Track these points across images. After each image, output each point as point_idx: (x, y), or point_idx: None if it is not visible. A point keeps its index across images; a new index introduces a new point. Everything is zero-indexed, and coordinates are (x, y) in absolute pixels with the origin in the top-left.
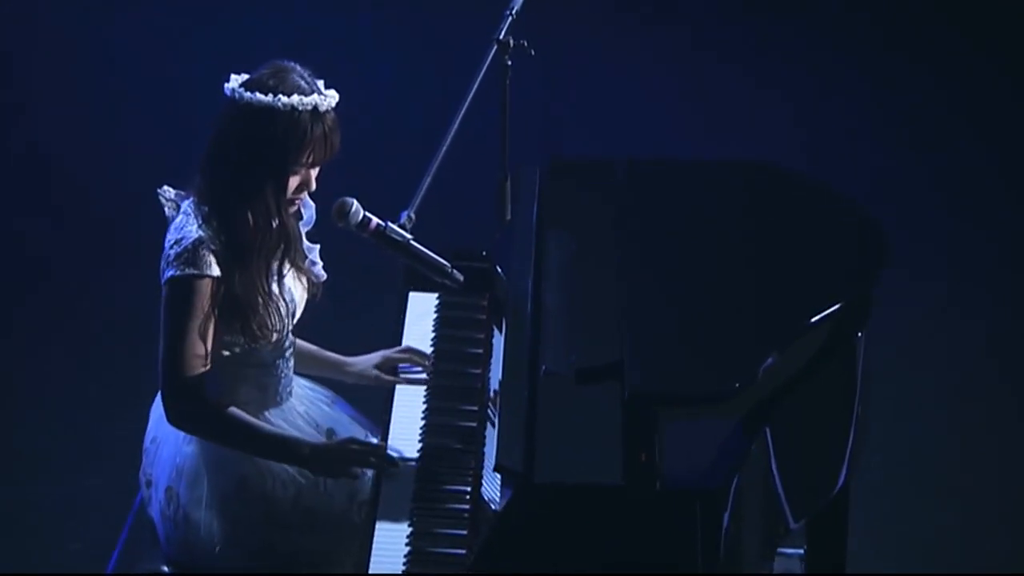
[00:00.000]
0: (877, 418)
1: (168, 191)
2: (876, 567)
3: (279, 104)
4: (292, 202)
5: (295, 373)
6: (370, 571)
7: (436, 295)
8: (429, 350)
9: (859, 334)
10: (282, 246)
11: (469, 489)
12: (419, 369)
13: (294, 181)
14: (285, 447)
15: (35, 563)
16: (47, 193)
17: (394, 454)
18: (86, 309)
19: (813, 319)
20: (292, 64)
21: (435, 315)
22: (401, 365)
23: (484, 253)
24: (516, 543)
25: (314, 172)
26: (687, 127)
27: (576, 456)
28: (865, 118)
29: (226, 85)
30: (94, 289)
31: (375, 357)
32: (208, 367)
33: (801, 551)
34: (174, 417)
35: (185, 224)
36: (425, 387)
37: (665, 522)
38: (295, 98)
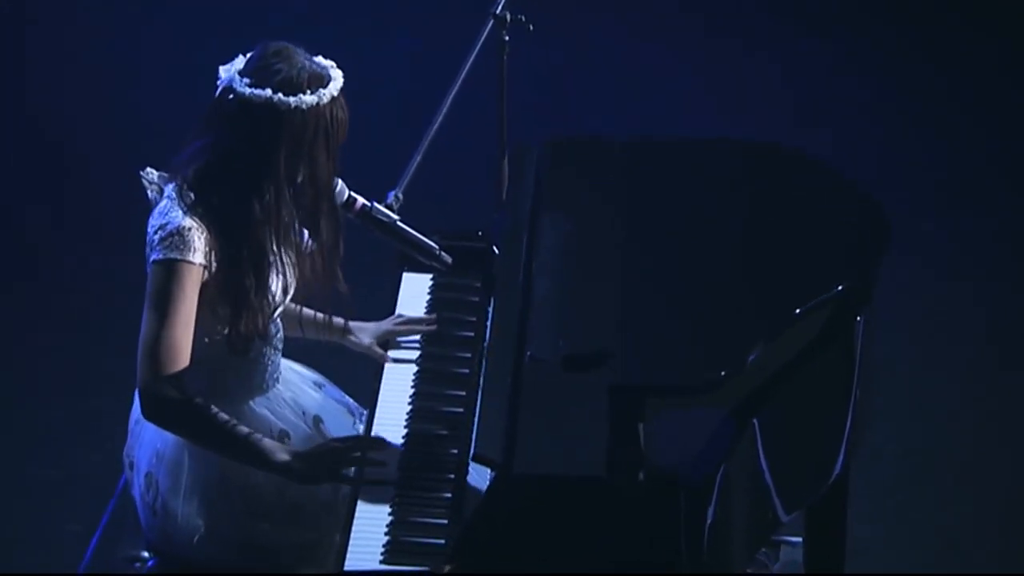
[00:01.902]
0: (891, 411)
1: (151, 173)
2: (887, 558)
3: (303, 104)
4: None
5: (289, 336)
6: (349, 560)
7: (430, 276)
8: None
9: (858, 318)
10: (274, 233)
11: (453, 477)
12: (415, 343)
13: (329, 168)
14: (264, 453)
15: (32, 544)
16: (47, 175)
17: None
18: (93, 283)
19: (805, 307)
20: (294, 48)
21: (428, 296)
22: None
23: (480, 233)
24: (494, 535)
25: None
26: (694, 107)
27: (559, 446)
28: (876, 109)
29: (226, 75)
30: (97, 266)
31: (378, 330)
32: (187, 361)
33: None
34: (148, 409)
35: (170, 209)
36: (414, 370)
37: (648, 514)
38: (318, 93)
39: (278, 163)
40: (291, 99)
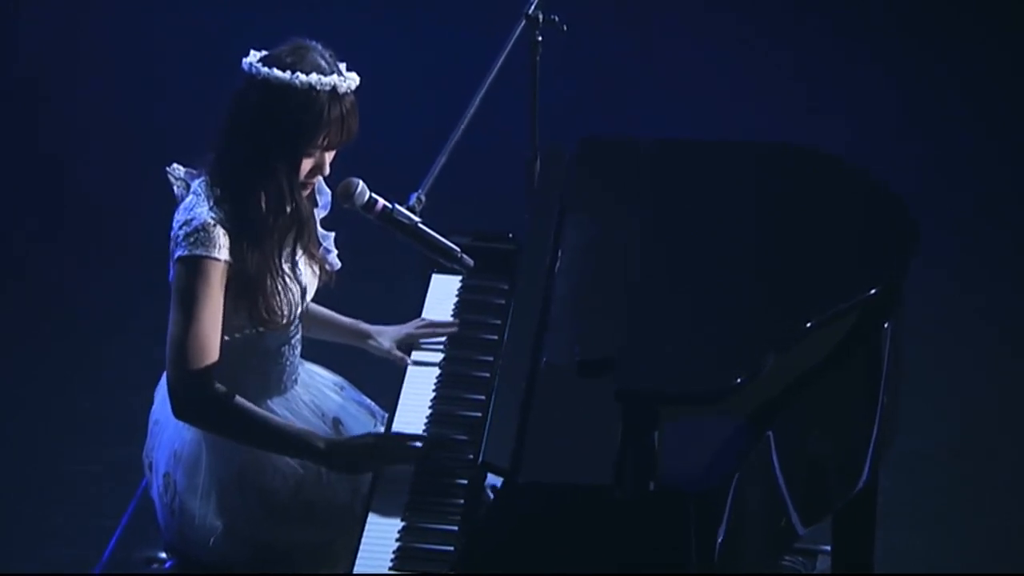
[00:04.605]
0: (930, 415)
1: (178, 169)
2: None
3: (296, 81)
4: (305, 185)
5: (310, 337)
6: (359, 565)
7: (459, 278)
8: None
9: (885, 324)
10: (294, 229)
11: (466, 483)
12: (438, 346)
13: (307, 164)
14: (299, 441)
15: (69, 537)
16: (49, 175)
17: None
18: (121, 275)
19: (825, 315)
20: (313, 43)
21: (456, 298)
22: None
23: (511, 235)
24: (499, 544)
25: (329, 156)
26: (726, 111)
27: (569, 453)
28: (903, 111)
29: (244, 60)
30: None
31: (398, 334)
32: (216, 357)
33: None
34: (179, 408)
35: (195, 204)
36: (437, 373)
37: (657, 524)
38: (313, 77)
39: (281, 143)
40: (299, 76)
